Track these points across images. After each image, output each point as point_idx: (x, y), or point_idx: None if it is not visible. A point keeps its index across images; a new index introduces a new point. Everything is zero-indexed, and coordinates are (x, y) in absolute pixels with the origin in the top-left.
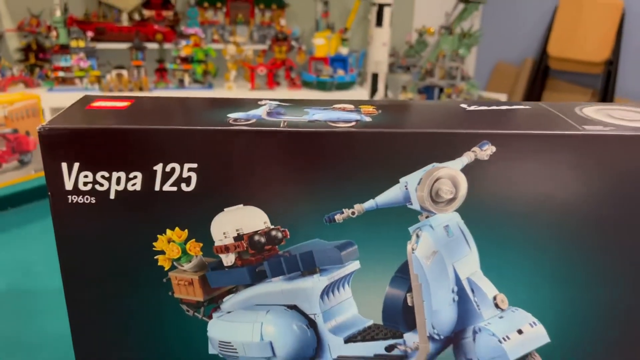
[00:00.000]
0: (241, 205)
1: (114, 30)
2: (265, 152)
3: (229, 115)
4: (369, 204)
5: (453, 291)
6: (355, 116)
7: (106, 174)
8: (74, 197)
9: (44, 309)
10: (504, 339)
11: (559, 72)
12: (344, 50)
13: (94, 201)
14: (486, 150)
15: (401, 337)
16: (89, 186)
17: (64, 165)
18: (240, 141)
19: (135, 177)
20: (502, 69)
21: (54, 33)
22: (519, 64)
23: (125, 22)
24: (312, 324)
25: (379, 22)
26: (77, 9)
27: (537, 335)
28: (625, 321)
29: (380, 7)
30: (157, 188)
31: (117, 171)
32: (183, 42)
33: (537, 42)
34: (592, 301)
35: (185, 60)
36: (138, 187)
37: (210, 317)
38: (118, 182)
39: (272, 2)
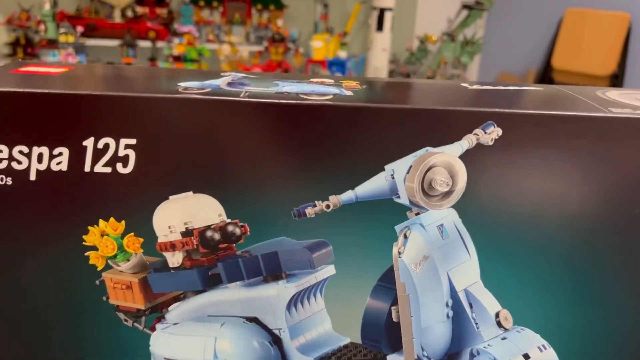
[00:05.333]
0: (190, 193)
1: (105, 27)
2: (220, 128)
3: (180, 83)
4: (347, 195)
5: (447, 305)
6: (333, 90)
7: (25, 149)
8: None
9: None
10: None
11: (563, 84)
12: (342, 54)
13: (10, 182)
14: (491, 134)
15: (384, 359)
16: (4, 164)
17: None
18: (188, 113)
19: (60, 153)
20: (505, 80)
21: (42, 27)
22: (522, 75)
23: (117, 18)
24: (276, 340)
25: (380, 27)
26: (69, 4)
27: None
28: None
29: (382, 12)
30: (87, 168)
31: (39, 146)
32: (176, 41)
33: (541, 53)
34: (614, 322)
35: (178, 59)
36: (64, 167)
37: (153, 329)
38: (40, 159)
39: (270, 3)
